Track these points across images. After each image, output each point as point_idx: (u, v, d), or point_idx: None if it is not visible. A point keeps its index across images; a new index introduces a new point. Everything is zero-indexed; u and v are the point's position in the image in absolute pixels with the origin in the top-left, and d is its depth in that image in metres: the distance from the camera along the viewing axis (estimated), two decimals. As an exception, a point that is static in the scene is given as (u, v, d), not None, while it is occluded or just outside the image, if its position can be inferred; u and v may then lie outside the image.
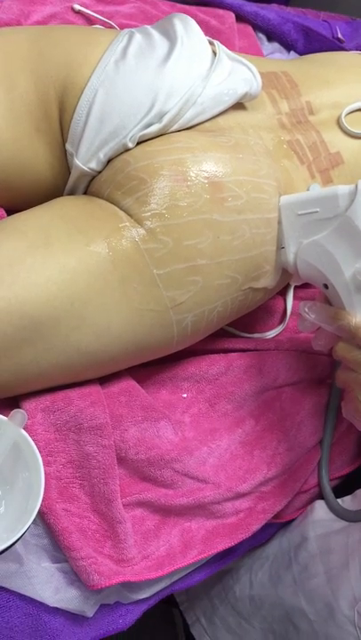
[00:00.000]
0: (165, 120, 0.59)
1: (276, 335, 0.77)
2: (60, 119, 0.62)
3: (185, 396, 0.69)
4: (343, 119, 0.70)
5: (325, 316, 0.59)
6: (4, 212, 0.64)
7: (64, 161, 0.64)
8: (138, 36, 0.63)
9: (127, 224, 0.57)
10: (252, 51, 0.93)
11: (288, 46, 0.99)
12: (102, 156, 0.61)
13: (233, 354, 0.71)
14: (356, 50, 0.99)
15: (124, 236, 0.56)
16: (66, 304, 0.54)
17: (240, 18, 0.96)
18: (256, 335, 0.76)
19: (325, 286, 0.60)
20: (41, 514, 0.57)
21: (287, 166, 0.65)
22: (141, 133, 0.59)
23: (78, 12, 0.82)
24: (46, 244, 0.55)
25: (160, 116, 0.59)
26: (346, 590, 0.66)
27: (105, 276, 0.56)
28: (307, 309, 0.61)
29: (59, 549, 0.58)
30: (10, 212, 0.62)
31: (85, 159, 0.61)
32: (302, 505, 0.76)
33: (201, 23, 0.66)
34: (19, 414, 0.51)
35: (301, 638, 0.71)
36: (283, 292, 0.80)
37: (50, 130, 0.62)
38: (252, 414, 0.71)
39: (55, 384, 0.59)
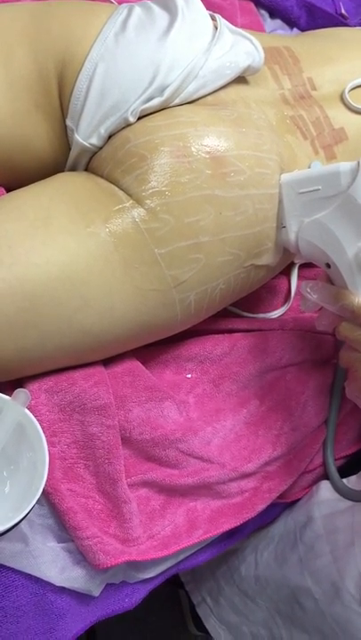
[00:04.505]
0: (167, 93, 0.58)
1: (281, 315, 0.76)
2: (60, 94, 0.61)
3: (189, 376, 0.69)
4: (347, 95, 0.69)
5: (328, 295, 0.59)
6: (3, 190, 0.64)
7: (64, 137, 0.63)
8: (138, 10, 0.62)
9: (126, 205, 0.56)
10: (254, 27, 0.92)
11: (291, 23, 0.98)
12: (103, 131, 0.60)
13: (237, 334, 0.71)
14: (360, 25, 0.98)
15: (124, 217, 0.56)
16: (67, 285, 0.54)
17: (242, -6, 0.95)
18: (260, 315, 0.75)
19: (328, 266, 0.60)
20: (46, 494, 0.57)
21: (291, 142, 0.65)
22: (143, 107, 0.58)
23: (77, -11, 0.81)
24: (46, 225, 0.54)
25: (161, 90, 0.58)
26: (352, 570, 0.66)
27: (106, 257, 0.55)
28: (309, 289, 0.60)
29: (64, 529, 0.58)
30: (10, 190, 0.62)
31: (86, 134, 0.60)
32: (308, 485, 0.76)
33: (202, -1, 0.65)
34: (22, 394, 0.51)
35: (307, 617, 0.71)
36: (287, 272, 0.79)
37: (49, 105, 0.61)
38: (256, 394, 0.70)
39: (60, 366, 0.59)
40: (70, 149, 0.63)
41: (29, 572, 0.57)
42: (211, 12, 0.65)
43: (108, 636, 1.04)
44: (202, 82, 0.60)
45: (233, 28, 0.64)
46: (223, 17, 0.66)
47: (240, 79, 0.63)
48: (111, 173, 0.59)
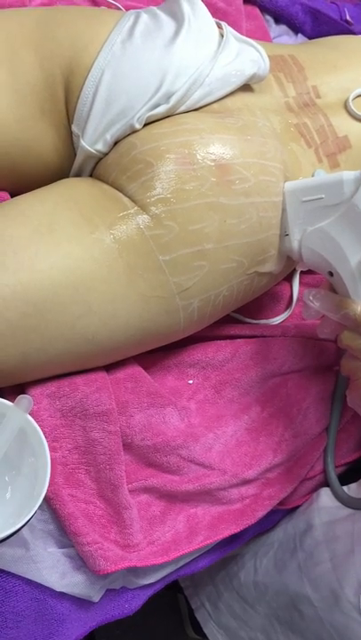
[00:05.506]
0: (173, 100, 0.58)
1: (283, 321, 0.77)
2: (66, 100, 0.61)
3: (191, 382, 0.69)
4: (351, 103, 0.69)
5: (330, 304, 0.59)
6: (7, 196, 0.64)
7: (70, 143, 0.63)
8: (144, 17, 0.62)
9: (131, 211, 0.57)
10: (259, 33, 0.92)
11: (296, 29, 0.98)
12: (109, 137, 0.60)
13: (239, 340, 0.71)
14: (365, 32, 0.98)
15: (129, 223, 0.56)
16: (70, 291, 0.54)
17: (247, -1, 0.95)
18: (262, 321, 0.75)
19: (330, 274, 0.60)
20: (47, 499, 0.57)
21: (295, 149, 0.65)
22: (149, 114, 0.58)
23: (83, -6, 0.81)
24: (50, 231, 0.55)
25: (167, 97, 0.59)
26: (351, 577, 0.66)
27: (110, 263, 0.55)
28: (311, 297, 0.60)
29: (65, 535, 0.58)
30: (14, 195, 0.62)
31: (92, 141, 0.61)
32: (308, 492, 0.76)
33: (208, 5, 0.65)
34: (24, 400, 0.51)
35: (306, 624, 0.71)
36: (289, 278, 0.79)
37: (55, 111, 0.61)
38: (258, 401, 0.70)
39: (63, 372, 0.59)
40: (75, 155, 0.63)
41: (30, 578, 0.57)
42: (217, 20, 0.65)
43: (107, 640, 1.04)
44: (208, 89, 0.60)
45: (239, 35, 0.64)
46: (229, 22, 0.67)
47: (245, 87, 0.63)
48: (116, 180, 0.59)
